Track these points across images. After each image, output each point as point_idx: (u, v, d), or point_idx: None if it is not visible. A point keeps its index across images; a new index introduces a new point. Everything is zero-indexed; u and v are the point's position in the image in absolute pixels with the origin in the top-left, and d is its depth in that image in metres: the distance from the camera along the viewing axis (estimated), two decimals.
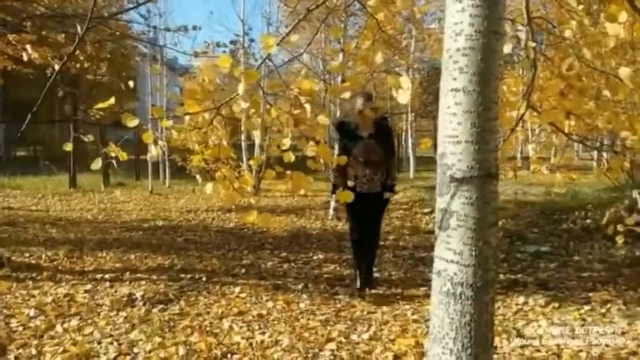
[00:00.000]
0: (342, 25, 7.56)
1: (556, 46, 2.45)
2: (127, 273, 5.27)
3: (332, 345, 3.50)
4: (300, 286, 4.87)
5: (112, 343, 3.54)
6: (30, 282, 4.96)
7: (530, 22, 2.17)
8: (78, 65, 8.10)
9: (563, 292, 4.71)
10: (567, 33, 2.23)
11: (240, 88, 1.98)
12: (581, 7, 2.18)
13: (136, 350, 3.43)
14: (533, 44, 2.18)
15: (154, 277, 5.14)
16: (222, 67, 2.02)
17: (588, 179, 11.60)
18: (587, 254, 6.00)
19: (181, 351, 3.35)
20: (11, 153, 23.70)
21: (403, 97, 1.93)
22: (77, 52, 7.24)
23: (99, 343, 3.56)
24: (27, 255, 6.00)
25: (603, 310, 4.24)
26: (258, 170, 9.38)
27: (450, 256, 1.47)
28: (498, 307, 4.30)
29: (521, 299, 4.50)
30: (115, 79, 13.03)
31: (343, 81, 8.51)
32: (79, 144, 12.06)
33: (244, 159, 11.80)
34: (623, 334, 3.76)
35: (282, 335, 3.67)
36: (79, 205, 10.51)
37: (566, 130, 2.68)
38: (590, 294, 4.64)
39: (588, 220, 7.36)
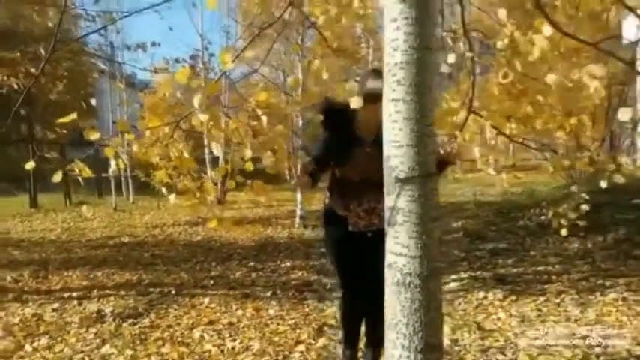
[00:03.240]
0: (300, 38, 7.75)
1: (492, 56, 2.67)
2: (95, 290, 5.28)
3: (301, 347, 3.63)
4: (268, 294, 4.98)
5: (83, 359, 3.58)
6: None
7: (467, 33, 2.37)
8: (34, 82, 8.02)
9: (520, 286, 4.94)
10: (499, 44, 2.45)
11: (196, 101, 2.10)
12: (510, 20, 2.39)
13: None
14: (471, 54, 2.37)
15: (123, 292, 5.16)
16: (180, 81, 2.14)
17: (544, 178, 12.05)
18: (542, 249, 6.29)
19: None
20: None
21: (355, 102, 2.11)
22: (33, 70, 7.20)
23: (70, 359, 3.59)
24: None
25: (557, 300, 4.47)
26: (223, 182, 9.45)
27: (399, 249, 1.62)
28: (459, 303, 4.51)
29: (481, 294, 4.71)
30: (72, 97, 12.91)
31: (304, 91, 8.70)
32: (38, 163, 11.86)
33: (208, 172, 11.84)
34: (575, 321, 4.01)
35: (253, 340, 3.77)
36: (41, 226, 10.35)
37: (508, 133, 2.89)
38: (546, 286, 4.88)
39: (543, 217, 7.68)
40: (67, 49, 8.97)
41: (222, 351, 3.61)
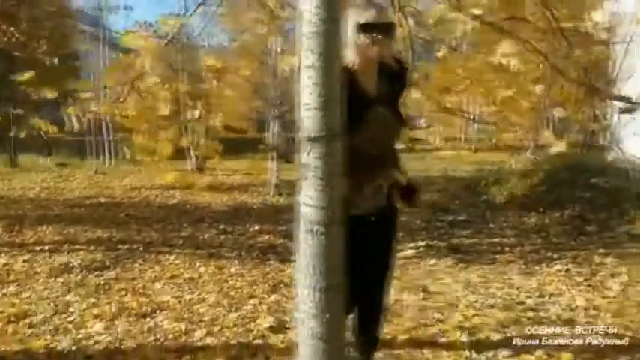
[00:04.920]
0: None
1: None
2: (66, 244, 5.50)
3: (254, 301, 3.87)
4: (233, 254, 5.21)
5: (48, 304, 3.81)
6: None
7: (400, 9, 2.56)
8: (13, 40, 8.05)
9: (472, 255, 5.20)
10: (431, 20, 2.64)
11: (145, 62, 2.27)
12: None
13: (71, 309, 3.71)
14: (407, 30, 2.56)
15: (92, 247, 5.39)
16: (127, 45, 2.31)
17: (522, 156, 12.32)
18: (501, 222, 6.57)
19: (113, 308, 3.66)
20: None
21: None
22: (12, 29, 7.24)
23: (36, 304, 3.81)
24: None
25: (505, 269, 4.72)
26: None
27: (307, 201, 1.84)
28: (412, 268, 4.77)
29: (433, 261, 4.97)
30: (53, 58, 12.81)
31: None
32: (18, 123, 11.88)
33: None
34: (517, 288, 4.27)
35: (210, 294, 4.01)
36: (20, 184, 10.46)
37: (448, 105, 3.10)
38: (497, 256, 5.14)
39: (506, 192, 7.94)
40: (45, 10, 8.93)
41: (179, 302, 3.85)
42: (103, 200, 8.55)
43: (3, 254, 5.12)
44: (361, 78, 2.22)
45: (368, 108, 2.20)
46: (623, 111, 2.64)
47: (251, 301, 3.86)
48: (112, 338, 3.22)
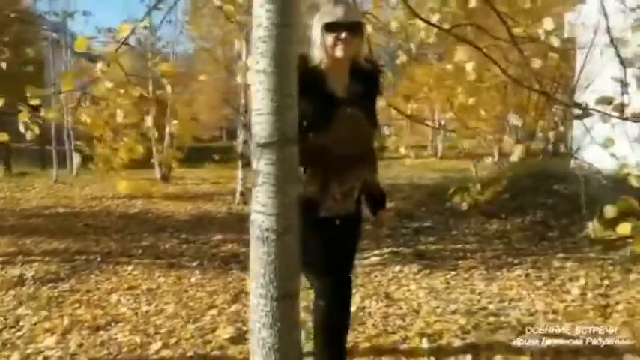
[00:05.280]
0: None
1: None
2: (20, 256, 5.30)
3: (214, 311, 3.79)
4: (194, 264, 5.10)
5: None
6: None
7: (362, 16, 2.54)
8: None
9: (436, 261, 5.21)
10: (393, 27, 2.64)
11: (98, 67, 2.20)
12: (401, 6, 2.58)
13: (22, 323, 3.57)
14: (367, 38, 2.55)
15: (47, 258, 5.20)
16: (79, 49, 2.24)
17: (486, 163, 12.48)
18: (464, 229, 6.62)
19: (66, 321, 3.52)
20: None
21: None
22: None
23: None
24: None
25: (467, 275, 4.75)
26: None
27: (259, 208, 1.79)
28: (376, 275, 4.75)
29: (398, 268, 4.95)
30: (15, 64, 12.45)
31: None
32: None
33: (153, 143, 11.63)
34: (479, 293, 4.30)
35: (168, 305, 3.90)
36: None
37: (409, 112, 3.10)
38: (459, 262, 5.16)
39: (469, 200, 8.01)
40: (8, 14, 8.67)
41: (136, 313, 3.74)
42: (61, 210, 8.30)
43: None
44: (330, 78, 2.23)
45: (336, 108, 2.19)
46: (576, 117, 2.68)
47: (210, 312, 3.78)
48: (62, 353, 3.10)
